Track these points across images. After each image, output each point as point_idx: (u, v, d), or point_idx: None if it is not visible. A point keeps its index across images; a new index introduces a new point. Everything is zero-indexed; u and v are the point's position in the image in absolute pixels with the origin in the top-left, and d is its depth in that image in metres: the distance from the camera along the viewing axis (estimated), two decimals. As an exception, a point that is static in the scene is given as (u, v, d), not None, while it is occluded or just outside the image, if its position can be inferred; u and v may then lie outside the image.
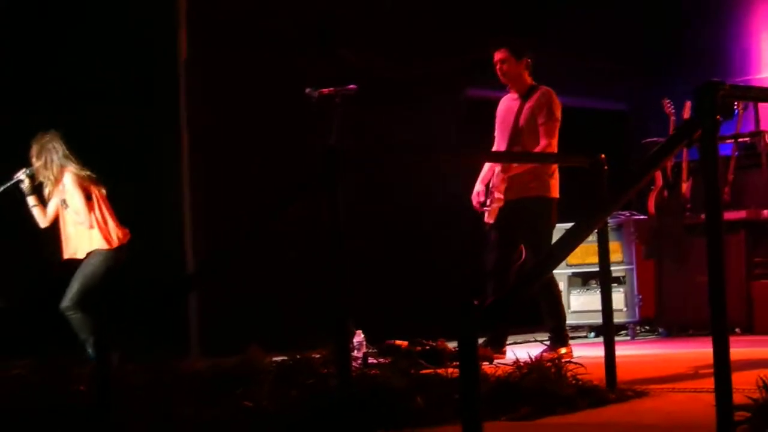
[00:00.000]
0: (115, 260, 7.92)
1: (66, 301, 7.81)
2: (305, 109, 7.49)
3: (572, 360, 5.36)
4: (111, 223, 7.93)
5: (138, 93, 8.83)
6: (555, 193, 7.24)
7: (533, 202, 7.20)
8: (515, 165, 7.16)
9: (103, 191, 7.97)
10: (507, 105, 7.43)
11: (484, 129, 7.68)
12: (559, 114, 7.24)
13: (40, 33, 8.74)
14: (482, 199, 7.29)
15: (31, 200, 8.00)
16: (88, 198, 7.90)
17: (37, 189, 7.98)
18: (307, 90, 7.37)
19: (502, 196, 7.19)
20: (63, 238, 8.00)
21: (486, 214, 7.29)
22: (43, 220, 8.02)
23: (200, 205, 9.02)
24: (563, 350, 6.97)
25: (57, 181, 7.89)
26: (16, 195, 7.97)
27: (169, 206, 8.98)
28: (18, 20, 8.74)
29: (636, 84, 11.70)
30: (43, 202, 8.01)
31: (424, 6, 10.30)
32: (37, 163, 7.91)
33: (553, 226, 7.32)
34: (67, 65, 8.63)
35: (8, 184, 7.96)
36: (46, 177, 7.91)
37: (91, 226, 7.87)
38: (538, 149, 7.16)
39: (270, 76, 9.23)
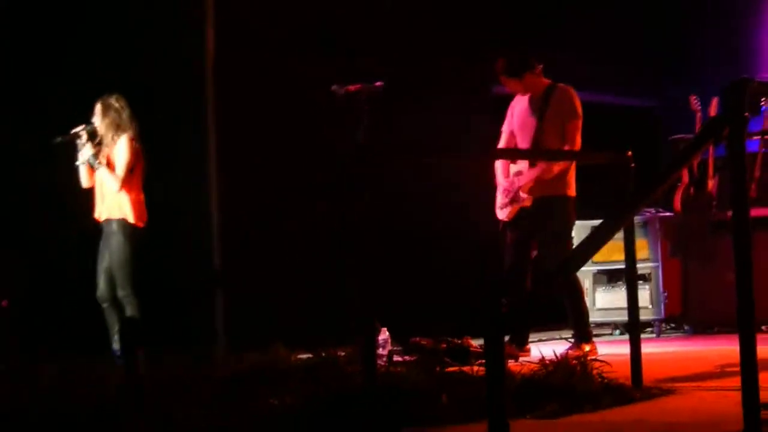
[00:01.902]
0: (133, 237, 7.65)
1: (99, 291, 7.65)
2: (331, 106, 7.46)
3: (598, 357, 5.34)
4: (142, 201, 7.72)
5: (164, 92, 8.82)
6: (574, 191, 7.21)
7: (554, 201, 7.16)
8: (555, 166, 7.09)
9: (144, 168, 7.78)
10: (524, 105, 7.34)
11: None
12: (581, 111, 7.20)
13: (60, 31, 8.74)
14: (511, 196, 7.25)
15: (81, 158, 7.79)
16: (131, 170, 7.70)
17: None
18: (333, 87, 7.34)
19: (527, 196, 7.17)
20: (97, 197, 7.76)
21: (504, 212, 7.26)
22: (87, 180, 7.80)
23: (228, 203, 9.02)
24: (587, 347, 6.95)
25: (115, 141, 7.68)
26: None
27: (197, 205, 8.97)
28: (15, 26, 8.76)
29: (664, 80, 11.65)
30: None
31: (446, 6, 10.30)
32: (102, 122, 7.70)
33: (573, 225, 7.30)
34: (93, 64, 8.63)
35: (67, 137, 7.73)
36: (108, 137, 7.69)
37: (119, 191, 7.63)
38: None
39: (295, 75, 9.22)
